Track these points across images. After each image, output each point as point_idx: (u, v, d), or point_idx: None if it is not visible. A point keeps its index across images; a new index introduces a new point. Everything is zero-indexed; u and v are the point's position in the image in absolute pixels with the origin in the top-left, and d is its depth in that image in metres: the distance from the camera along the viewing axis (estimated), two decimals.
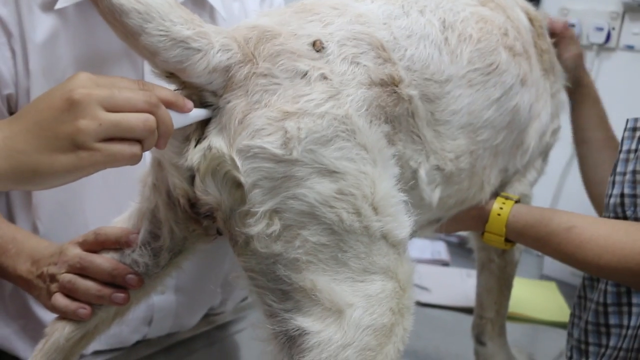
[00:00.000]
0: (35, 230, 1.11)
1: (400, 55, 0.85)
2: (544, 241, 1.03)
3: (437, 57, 0.90)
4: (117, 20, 0.69)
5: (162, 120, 0.69)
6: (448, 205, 1.02)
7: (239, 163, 0.72)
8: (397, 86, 0.82)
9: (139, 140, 0.68)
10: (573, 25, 1.98)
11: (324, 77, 0.75)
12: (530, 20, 1.18)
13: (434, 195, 0.95)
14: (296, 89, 0.74)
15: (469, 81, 0.95)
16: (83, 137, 0.64)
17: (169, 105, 0.71)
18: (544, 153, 1.23)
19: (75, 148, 0.64)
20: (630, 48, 1.94)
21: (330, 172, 0.73)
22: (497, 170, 1.08)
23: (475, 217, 1.09)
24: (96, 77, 0.67)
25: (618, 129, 1.40)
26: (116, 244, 0.90)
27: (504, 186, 1.15)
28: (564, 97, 1.26)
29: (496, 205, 1.08)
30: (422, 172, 0.91)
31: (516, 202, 1.09)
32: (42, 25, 1.05)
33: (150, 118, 0.68)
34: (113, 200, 1.09)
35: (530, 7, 1.22)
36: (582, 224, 0.99)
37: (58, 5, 1.05)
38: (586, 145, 1.38)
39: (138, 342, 1.26)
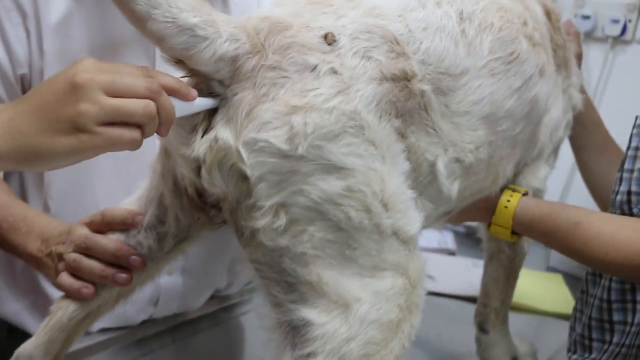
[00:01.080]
0: (46, 208, 1.13)
1: (415, 49, 0.84)
2: (550, 236, 1.02)
3: (452, 49, 0.89)
4: (125, 6, 0.70)
5: (163, 107, 0.70)
6: (464, 196, 1.02)
7: (244, 156, 0.72)
8: (409, 81, 0.81)
9: (139, 126, 0.69)
10: (588, 17, 1.97)
11: (333, 72, 0.74)
12: (548, 13, 1.17)
13: (453, 187, 0.94)
14: (305, 82, 0.73)
15: (490, 70, 0.94)
16: (84, 120, 0.65)
17: (172, 92, 0.71)
18: (556, 148, 1.22)
19: (75, 131, 0.65)
20: None
21: (337, 169, 0.73)
22: (513, 162, 1.07)
23: (483, 209, 1.09)
24: (101, 63, 0.68)
25: (631, 122, 1.39)
26: (122, 225, 0.91)
27: (515, 179, 1.14)
28: (574, 93, 1.25)
29: (504, 197, 1.08)
30: (441, 165, 0.90)
31: (524, 194, 1.08)
32: (56, 6, 1.06)
33: (150, 104, 0.68)
34: (123, 180, 1.10)
35: (547, 0, 1.20)
36: (590, 219, 0.98)
37: None
38: (585, 151, 1.38)
39: (144, 322, 1.27)
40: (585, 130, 1.35)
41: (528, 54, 1.01)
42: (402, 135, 0.82)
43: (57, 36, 1.06)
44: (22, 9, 1.04)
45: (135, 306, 1.20)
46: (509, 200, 1.07)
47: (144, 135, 0.70)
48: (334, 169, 0.73)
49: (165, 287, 1.23)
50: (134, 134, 0.68)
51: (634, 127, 1.11)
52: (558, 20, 1.19)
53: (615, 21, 1.93)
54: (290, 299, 0.77)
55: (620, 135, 1.37)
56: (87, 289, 0.90)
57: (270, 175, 0.73)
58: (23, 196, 1.15)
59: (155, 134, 0.71)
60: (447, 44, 0.88)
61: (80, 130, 0.65)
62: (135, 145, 0.69)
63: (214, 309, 1.41)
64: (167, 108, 0.70)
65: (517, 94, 0.99)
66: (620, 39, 1.95)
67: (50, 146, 0.65)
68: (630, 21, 1.93)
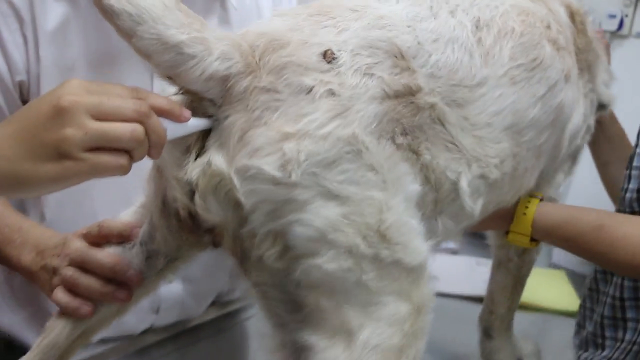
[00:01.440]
0: (42, 217, 1.11)
1: (423, 62, 0.80)
2: (572, 241, 1.00)
3: (467, 60, 0.84)
4: (109, 20, 0.67)
5: (153, 130, 0.67)
6: (487, 210, 0.98)
7: (237, 183, 0.69)
8: (414, 96, 0.77)
9: (127, 150, 0.66)
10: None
11: (331, 93, 0.70)
12: (572, 14, 1.12)
13: (476, 205, 0.89)
14: (299, 106, 0.70)
15: (511, 79, 0.90)
16: (68, 146, 0.62)
17: (164, 114, 0.69)
18: (573, 155, 1.18)
19: (60, 157, 0.62)
20: None
21: (334, 196, 0.70)
22: (538, 172, 1.04)
23: (501, 217, 1.06)
24: (88, 83, 0.65)
25: (629, 118, 1.39)
26: (119, 237, 0.89)
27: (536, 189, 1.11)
28: (602, 90, 1.21)
29: (521, 204, 1.05)
30: (464, 183, 0.85)
31: (540, 199, 1.06)
32: (53, 13, 1.04)
33: (138, 128, 0.65)
34: (122, 188, 1.07)
35: (572, 0, 1.15)
36: (612, 222, 0.96)
37: None
38: (612, 166, 1.35)
39: (145, 331, 1.26)
40: (611, 145, 1.33)
41: (552, 59, 0.96)
42: (413, 152, 0.77)
43: (53, 43, 1.04)
44: (19, 15, 1.02)
45: (135, 315, 1.18)
46: (527, 207, 1.04)
47: (133, 160, 0.67)
48: (332, 195, 0.70)
49: (166, 295, 1.22)
50: (121, 160, 0.66)
51: None
52: (583, 23, 1.14)
53: (612, 16, 1.94)
54: (296, 319, 0.75)
55: None
56: (85, 307, 0.88)
57: (264, 204, 0.70)
58: (19, 204, 1.13)
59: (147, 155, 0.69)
60: (460, 55, 0.83)
61: (65, 157, 0.62)
62: (122, 171, 0.66)
63: (216, 315, 1.40)
64: (157, 131, 0.67)
65: (541, 102, 0.95)
66: (617, 34, 1.96)
67: (33, 173, 0.62)
68: (627, 16, 1.93)
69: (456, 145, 0.83)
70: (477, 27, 0.88)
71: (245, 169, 0.69)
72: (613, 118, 1.35)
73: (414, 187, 0.77)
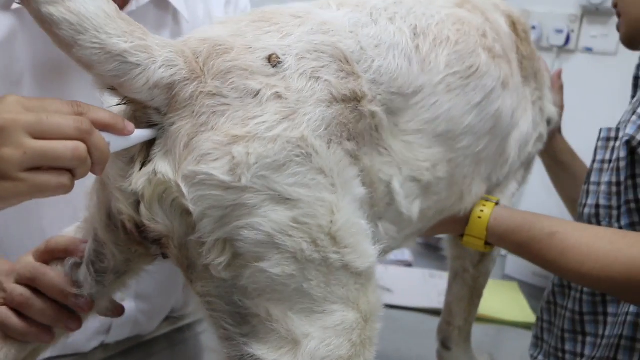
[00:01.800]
0: None
1: (367, 67, 0.80)
2: (525, 246, 1.00)
3: (406, 67, 0.85)
4: (48, 30, 0.65)
5: (96, 146, 0.64)
6: (428, 217, 0.98)
7: (185, 190, 0.68)
8: (359, 102, 0.78)
9: (68, 169, 0.64)
10: (533, 28, 2.01)
11: (278, 96, 0.70)
12: (513, 23, 1.14)
13: (413, 208, 0.90)
14: (246, 110, 0.69)
15: (447, 86, 0.91)
16: (6, 166, 0.59)
17: (107, 128, 0.67)
18: (526, 163, 1.19)
19: None
20: (589, 50, 1.97)
21: (284, 200, 0.69)
22: (479, 179, 1.04)
23: (456, 221, 1.06)
24: (26, 100, 0.63)
25: (574, 130, 1.42)
26: (65, 252, 0.86)
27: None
28: (548, 106, 1.23)
29: (477, 207, 1.05)
30: (397, 185, 0.86)
31: (496, 204, 1.06)
32: None
33: (80, 146, 0.63)
34: (71, 205, 1.05)
35: (513, 10, 1.17)
36: (565, 230, 0.96)
37: (15, 5, 1.01)
38: (564, 172, 1.40)
39: (96, 347, 1.23)
40: (576, 182, 1.34)
41: (488, 67, 0.98)
42: (355, 158, 0.78)
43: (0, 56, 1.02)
44: None
45: (85, 335, 1.16)
46: (482, 210, 1.04)
47: (76, 178, 0.65)
48: (281, 199, 0.69)
49: None
50: (63, 179, 0.63)
51: (598, 139, 1.10)
52: (525, 31, 1.16)
53: (559, 31, 1.98)
54: (242, 332, 0.74)
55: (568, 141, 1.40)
56: (46, 334, 0.84)
57: (212, 210, 0.68)
58: None
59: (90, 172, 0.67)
60: (400, 62, 0.84)
61: (2, 177, 0.60)
62: (64, 190, 0.64)
63: (169, 329, 1.37)
64: (100, 147, 0.65)
65: (477, 109, 0.96)
66: (564, 49, 2.01)
67: None
68: (573, 31, 1.98)
69: (387, 150, 0.84)
70: (415, 34, 0.89)
71: (193, 175, 0.68)
72: (575, 155, 1.38)
73: (360, 190, 0.77)
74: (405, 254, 1.98)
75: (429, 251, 2.02)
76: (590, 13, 1.95)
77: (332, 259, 0.72)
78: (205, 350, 1.37)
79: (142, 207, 0.71)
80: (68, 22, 0.64)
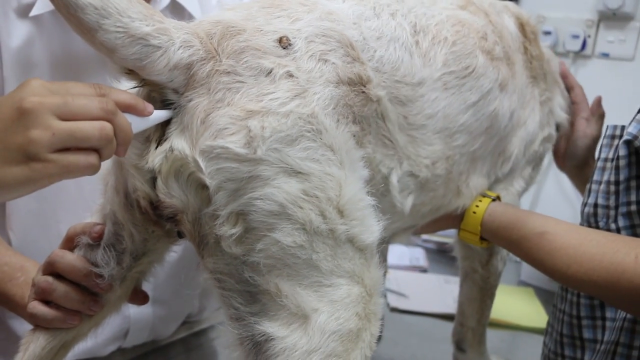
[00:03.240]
0: (9, 242, 1.09)
1: (370, 56, 0.83)
2: (516, 244, 1.01)
3: (407, 59, 0.88)
4: (73, 15, 0.66)
5: (120, 127, 0.66)
6: (422, 213, 1.00)
7: (202, 164, 0.70)
8: (365, 86, 0.80)
9: (96, 149, 0.65)
10: (549, 33, 2.00)
11: (289, 75, 0.73)
12: (522, 25, 1.16)
13: (406, 202, 0.93)
14: (260, 87, 0.72)
15: (444, 84, 0.93)
16: (35, 148, 0.61)
17: (128, 109, 0.68)
18: (534, 162, 1.20)
19: (27, 160, 0.61)
20: (605, 56, 1.96)
21: (295, 172, 0.71)
22: (475, 176, 1.06)
23: (453, 216, 1.07)
24: (49, 84, 0.64)
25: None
26: (82, 233, 0.87)
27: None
28: (557, 110, 1.24)
29: (473, 203, 1.06)
30: (394, 179, 0.89)
31: (494, 199, 1.07)
32: (17, 32, 1.04)
33: (106, 126, 0.64)
34: (89, 210, 1.07)
35: (523, 13, 1.20)
36: (555, 230, 0.96)
37: (33, 12, 1.03)
38: None
39: (113, 352, 1.24)
40: None
41: (485, 69, 1.00)
42: (360, 142, 0.80)
43: (17, 61, 1.04)
44: None
45: (102, 339, 1.17)
46: (477, 206, 1.06)
47: (102, 158, 0.66)
48: (293, 172, 0.71)
49: (135, 318, 1.20)
50: (91, 158, 0.65)
51: (603, 137, 1.11)
52: (534, 33, 1.18)
53: (576, 36, 1.98)
54: (252, 310, 0.75)
55: None
56: (72, 317, 0.85)
57: (228, 183, 0.71)
58: None
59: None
60: (401, 54, 0.87)
61: (33, 159, 0.61)
62: (93, 170, 0.65)
63: (185, 334, 1.38)
64: (124, 128, 0.67)
65: (473, 109, 0.98)
66: (580, 54, 1.99)
67: (1, 177, 0.61)
68: (589, 36, 1.97)
69: (392, 142, 0.87)
70: (415, 31, 0.92)
71: (210, 149, 0.70)
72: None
73: (365, 172, 0.80)
74: (420, 259, 1.98)
75: (444, 257, 2.01)
76: (607, 18, 1.94)
77: (339, 231, 0.74)
78: (221, 355, 1.37)
79: (159, 182, 0.73)
80: (92, 7, 0.66)
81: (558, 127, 1.27)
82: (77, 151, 0.64)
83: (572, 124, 1.30)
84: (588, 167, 1.32)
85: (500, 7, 1.15)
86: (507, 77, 1.05)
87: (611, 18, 1.93)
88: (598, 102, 1.32)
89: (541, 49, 1.21)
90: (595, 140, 1.30)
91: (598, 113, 1.31)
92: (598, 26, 1.96)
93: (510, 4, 1.21)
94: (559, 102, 1.26)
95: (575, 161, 1.32)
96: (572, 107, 1.31)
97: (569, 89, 1.32)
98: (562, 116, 1.26)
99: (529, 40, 1.16)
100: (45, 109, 0.62)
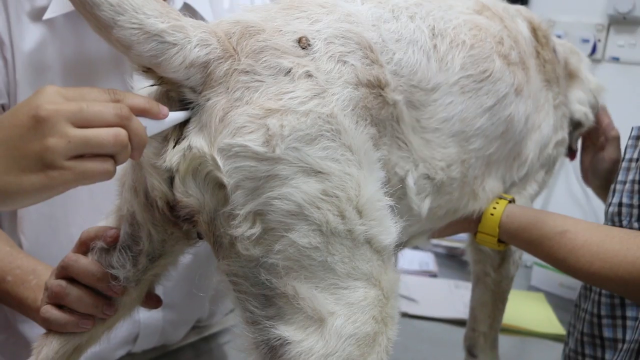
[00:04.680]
0: (20, 246, 1.09)
1: (388, 59, 0.83)
2: (536, 244, 1.00)
3: (425, 63, 0.88)
4: (89, 13, 0.67)
5: (135, 132, 0.67)
6: (438, 215, 1.00)
7: (220, 163, 0.70)
8: (382, 89, 0.80)
9: (111, 155, 0.66)
10: (559, 37, 2.00)
11: (308, 75, 0.72)
12: (534, 29, 1.16)
13: (423, 205, 0.92)
14: (279, 86, 0.71)
15: (461, 88, 0.93)
16: (52, 155, 0.61)
17: (143, 113, 0.69)
18: (547, 165, 1.20)
19: (44, 167, 0.62)
20: (615, 60, 1.96)
21: (315, 172, 0.71)
22: (491, 179, 1.06)
23: (470, 220, 1.07)
24: (64, 90, 0.64)
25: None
26: (96, 238, 0.87)
27: None
28: (576, 107, 1.24)
29: (490, 204, 1.06)
30: (410, 181, 0.88)
31: (510, 201, 1.07)
32: (30, 35, 1.04)
33: (121, 132, 0.65)
34: (100, 214, 1.07)
35: (534, 17, 1.20)
36: (576, 229, 0.96)
37: (47, 16, 1.04)
38: None
39: (122, 356, 1.24)
40: None
41: (502, 73, 1.00)
42: (376, 145, 0.80)
43: (30, 64, 1.04)
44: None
45: (112, 343, 1.16)
46: (495, 208, 1.05)
47: (117, 163, 0.67)
48: (312, 171, 0.71)
49: (145, 323, 1.20)
50: (107, 165, 0.65)
51: (629, 138, 1.11)
52: (546, 37, 1.19)
53: (586, 41, 1.98)
54: (267, 314, 0.75)
55: None
56: (85, 321, 0.85)
57: (246, 182, 0.70)
58: None
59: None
60: (419, 57, 0.87)
61: (49, 167, 0.62)
62: (108, 176, 0.66)
63: (195, 339, 1.38)
64: (139, 133, 0.67)
65: (489, 113, 0.98)
66: (591, 58, 1.98)
67: (18, 185, 0.62)
68: (599, 40, 1.97)
69: (406, 145, 0.87)
70: (433, 34, 0.91)
71: (228, 147, 0.70)
72: None
73: (382, 174, 0.79)
74: (430, 264, 1.97)
75: (454, 262, 2.01)
76: (617, 22, 1.94)
77: (358, 232, 0.73)
78: (231, 358, 1.37)
79: (177, 181, 0.73)
80: (108, 3, 0.66)
81: (579, 124, 1.26)
82: (92, 158, 0.64)
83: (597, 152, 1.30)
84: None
85: (513, 12, 1.15)
86: (523, 81, 1.05)
87: (621, 22, 1.93)
88: (609, 126, 1.31)
89: (554, 52, 1.21)
90: (615, 162, 1.29)
91: (611, 135, 1.29)
92: (608, 30, 1.96)
93: (523, 8, 1.21)
94: (579, 96, 1.25)
95: (599, 181, 1.32)
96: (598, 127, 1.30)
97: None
98: (581, 110, 1.25)
99: (541, 45, 1.16)
100: (61, 116, 0.62)
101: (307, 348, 0.71)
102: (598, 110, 1.31)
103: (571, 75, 1.27)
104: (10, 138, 0.62)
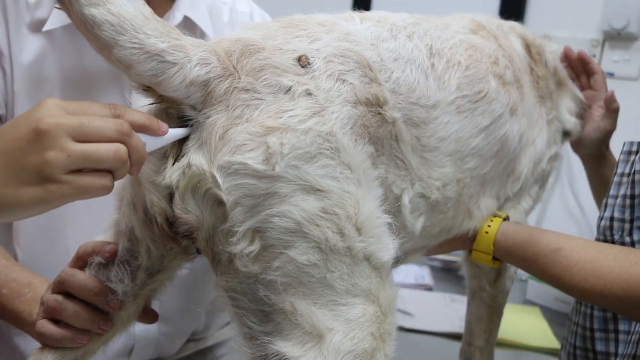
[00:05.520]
0: (15, 257, 1.09)
1: (387, 77, 0.84)
2: (530, 261, 1.01)
3: (423, 81, 0.89)
4: (90, 32, 0.67)
5: (134, 148, 0.67)
6: (432, 234, 1.00)
7: (220, 180, 0.70)
8: (381, 107, 0.81)
9: (109, 171, 0.66)
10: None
11: (308, 93, 0.73)
12: (527, 46, 1.17)
13: (417, 223, 0.93)
14: (279, 104, 0.72)
15: (457, 107, 0.94)
16: (51, 169, 0.62)
17: (143, 129, 0.69)
18: (541, 180, 1.21)
19: (42, 180, 0.62)
20: (610, 75, 1.96)
21: (314, 190, 0.71)
22: (485, 198, 1.06)
23: (465, 238, 1.08)
24: (65, 104, 0.65)
25: None
26: (93, 254, 0.86)
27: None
28: (567, 118, 1.25)
29: (484, 223, 1.07)
30: (406, 200, 0.89)
31: (504, 219, 1.08)
32: (29, 46, 1.04)
33: (121, 148, 0.65)
34: (97, 224, 1.07)
35: (528, 33, 1.21)
36: (570, 246, 0.97)
37: (46, 27, 1.04)
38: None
39: None
40: None
41: (497, 93, 1.01)
42: (374, 163, 0.81)
43: (28, 76, 1.04)
44: None
45: (107, 356, 1.15)
46: (489, 226, 1.06)
47: (115, 179, 0.67)
48: (312, 189, 0.71)
49: (140, 336, 1.19)
50: (105, 180, 0.65)
51: (621, 153, 1.11)
52: (539, 53, 1.20)
53: None
54: (265, 330, 0.75)
55: None
56: (81, 336, 0.85)
57: (245, 199, 0.71)
58: None
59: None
60: (417, 76, 0.88)
61: (48, 180, 0.62)
62: (106, 191, 0.66)
63: (191, 352, 1.37)
64: (138, 149, 0.68)
65: (484, 133, 0.99)
66: None
67: (15, 197, 0.62)
68: (594, 56, 1.98)
69: (404, 163, 0.87)
70: (430, 53, 0.93)
71: (228, 165, 0.70)
72: None
73: (380, 191, 0.80)
74: (426, 277, 1.97)
75: (449, 275, 2.01)
76: (612, 38, 1.95)
77: (357, 249, 0.74)
78: None
79: (176, 198, 0.74)
80: (109, 23, 0.67)
81: (569, 133, 1.27)
82: (91, 172, 0.65)
83: (592, 121, 1.30)
84: (604, 160, 1.33)
85: (507, 29, 1.16)
86: (517, 101, 1.07)
87: (616, 38, 1.94)
88: (611, 96, 1.30)
89: (547, 68, 1.22)
90: (609, 134, 1.30)
91: (612, 107, 1.29)
92: (603, 46, 1.98)
93: (516, 24, 1.23)
94: (568, 106, 1.26)
95: (590, 150, 1.32)
96: (590, 93, 1.31)
97: (590, 74, 1.32)
98: (571, 121, 1.26)
99: (534, 61, 1.18)
100: (61, 130, 0.62)
101: None
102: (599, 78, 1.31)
103: (560, 84, 1.28)
104: (10, 150, 0.62)
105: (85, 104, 0.66)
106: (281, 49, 0.76)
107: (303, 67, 0.75)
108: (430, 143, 0.91)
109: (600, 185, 1.36)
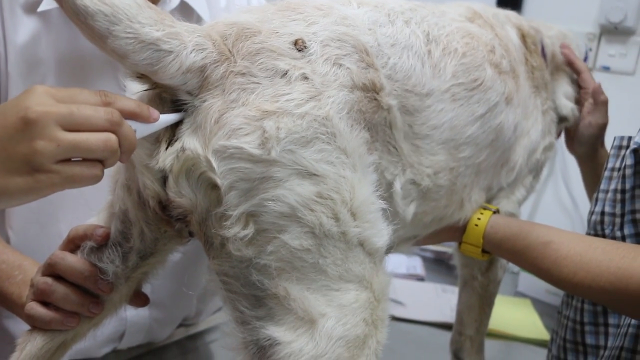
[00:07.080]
0: (7, 240, 1.08)
1: (383, 63, 0.84)
2: (520, 255, 1.01)
3: (419, 69, 0.88)
4: (83, 23, 0.66)
5: (125, 137, 0.66)
6: (424, 222, 1.00)
7: (214, 164, 0.70)
8: (377, 93, 0.81)
9: (99, 160, 0.65)
10: None
11: (304, 77, 0.73)
12: (523, 36, 1.17)
13: (408, 210, 0.93)
14: (276, 88, 0.71)
15: (452, 95, 0.94)
16: (40, 158, 0.61)
17: (133, 116, 0.68)
18: (535, 170, 1.21)
19: (31, 170, 0.61)
20: (606, 69, 1.96)
21: (310, 175, 0.71)
22: (478, 188, 1.06)
23: (454, 229, 1.08)
24: (54, 91, 0.64)
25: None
26: (85, 237, 0.86)
27: (489, 203, 1.13)
28: (563, 103, 1.26)
29: (474, 215, 1.07)
30: (397, 186, 0.89)
31: (495, 212, 1.08)
32: (23, 27, 1.03)
33: (111, 138, 0.64)
34: (89, 207, 1.06)
35: (524, 23, 1.21)
36: (560, 239, 0.97)
37: (41, 8, 1.03)
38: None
39: (107, 353, 1.23)
40: None
41: (493, 82, 1.01)
42: (369, 149, 0.81)
43: (22, 57, 1.03)
44: None
45: (98, 340, 1.16)
46: (479, 219, 1.06)
47: (105, 167, 0.66)
48: (307, 174, 0.71)
49: (132, 321, 1.20)
50: (95, 169, 0.65)
51: (611, 147, 1.11)
52: (535, 44, 1.20)
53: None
54: (257, 315, 0.74)
55: None
56: (71, 319, 0.85)
57: (240, 183, 0.70)
58: None
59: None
60: (414, 63, 0.88)
61: (37, 170, 0.61)
62: (96, 180, 0.66)
63: (182, 337, 1.38)
64: (128, 138, 0.67)
65: (480, 121, 0.99)
66: None
67: (4, 186, 0.61)
68: (590, 50, 1.98)
69: (396, 150, 0.87)
70: (428, 40, 0.92)
71: (223, 149, 0.70)
72: None
73: (374, 177, 0.80)
74: (417, 268, 1.97)
75: (441, 266, 2.01)
76: (609, 32, 1.95)
77: (352, 234, 0.73)
78: (217, 358, 1.37)
79: (170, 181, 0.73)
80: (102, 14, 0.66)
81: (565, 119, 1.27)
82: (81, 162, 0.64)
83: (582, 117, 1.30)
84: (598, 155, 1.33)
85: (503, 18, 1.16)
86: (513, 90, 1.06)
87: (613, 32, 1.94)
88: (598, 88, 1.31)
89: (542, 58, 1.22)
90: (602, 128, 1.30)
91: (600, 100, 1.30)
92: (599, 40, 1.97)
93: (512, 14, 1.22)
94: (566, 90, 1.27)
95: (584, 148, 1.32)
96: (580, 92, 1.31)
97: (576, 73, 1.32)
98: (568, 107, 1.27)
99: (530, 52, 1.18)
100: (51, 119, 0.61)
101: (297, 349, 0.71)
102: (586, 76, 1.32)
103: (558, 68, 1.28)
104: None
105: (75, 91, 0.66)
106: (277, 32, 0.75)
107: (299, 50, 0.75)
108: (422, 131, 0.91)
109: (594, 183, 1.36)
